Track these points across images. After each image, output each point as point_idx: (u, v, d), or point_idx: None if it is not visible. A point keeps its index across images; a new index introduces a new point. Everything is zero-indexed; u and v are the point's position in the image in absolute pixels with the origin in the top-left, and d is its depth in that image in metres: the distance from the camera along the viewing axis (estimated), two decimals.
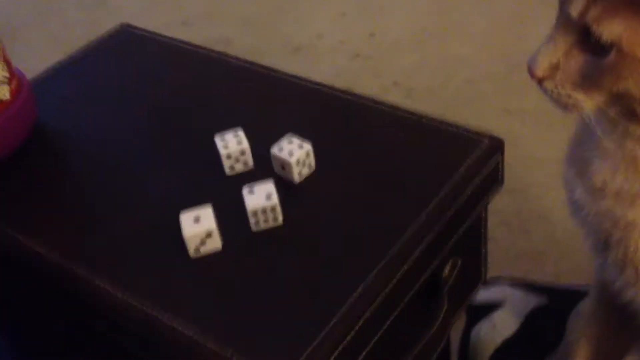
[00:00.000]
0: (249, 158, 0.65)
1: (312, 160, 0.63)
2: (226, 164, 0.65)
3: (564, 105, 0.52)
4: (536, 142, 1.64)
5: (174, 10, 2.01)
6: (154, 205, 0.63)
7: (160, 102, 0.75)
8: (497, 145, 0.64)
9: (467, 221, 0.63)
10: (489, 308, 1.01)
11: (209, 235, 0.57)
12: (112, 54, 0.83)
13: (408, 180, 0.62)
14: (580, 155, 0.58)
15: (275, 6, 2.36)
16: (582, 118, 0.56)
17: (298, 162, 0.62)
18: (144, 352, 0.56)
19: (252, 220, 0.59)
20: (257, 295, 0.54)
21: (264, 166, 0.64)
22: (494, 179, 0.65)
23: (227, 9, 2.28)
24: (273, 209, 0.58)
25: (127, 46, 0.84)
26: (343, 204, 0.61)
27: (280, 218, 0.59)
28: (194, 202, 0.60)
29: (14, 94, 0.68)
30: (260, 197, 0.59)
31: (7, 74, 0.67)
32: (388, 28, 2.18)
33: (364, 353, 0.54)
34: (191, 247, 0.57)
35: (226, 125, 0.67)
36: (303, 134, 0.64)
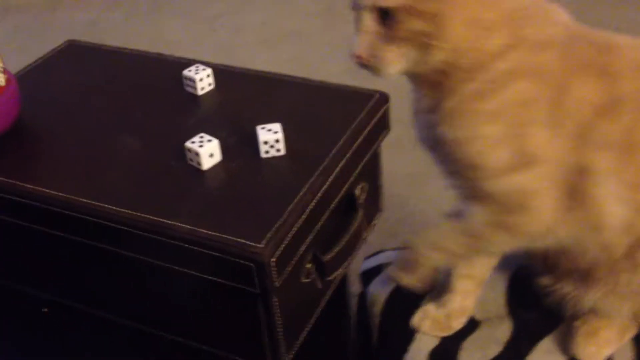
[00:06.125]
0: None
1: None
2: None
3: (379, 67, 0.71)
4: (394, 162, 1.91)
5: None
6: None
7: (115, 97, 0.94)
8: (384, 98, 0.88)
9: (368, 154, 0.86)
10: (379, 269, 1.22)
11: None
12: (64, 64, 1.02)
13: (325, 125, 0.84)
14: (415, 107, 0.79)
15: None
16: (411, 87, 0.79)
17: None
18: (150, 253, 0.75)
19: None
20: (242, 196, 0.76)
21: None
22: (384, 123, 0.89)
23: None
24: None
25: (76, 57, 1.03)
26: (289, 145, 0.81)
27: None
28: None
29: (8, 82, 0.84)
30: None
31: (2, 65, 0.84)
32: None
33: (311, 235, 0.75)
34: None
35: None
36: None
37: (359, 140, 0.83)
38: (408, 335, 1.08)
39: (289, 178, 0.77)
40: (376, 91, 0.88)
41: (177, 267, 0.73)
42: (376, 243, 1.13)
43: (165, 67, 0.98)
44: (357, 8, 0.71)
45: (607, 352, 0.91)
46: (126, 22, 2.63)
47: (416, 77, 0.75)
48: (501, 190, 0.75)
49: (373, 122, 0.85)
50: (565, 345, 0.95)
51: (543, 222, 0.76)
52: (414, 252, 0.87)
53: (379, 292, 1.21)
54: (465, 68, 0.72)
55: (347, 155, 0.81)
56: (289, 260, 0.71)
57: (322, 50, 2.41)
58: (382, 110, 0.87)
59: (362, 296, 1.24)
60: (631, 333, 0.92)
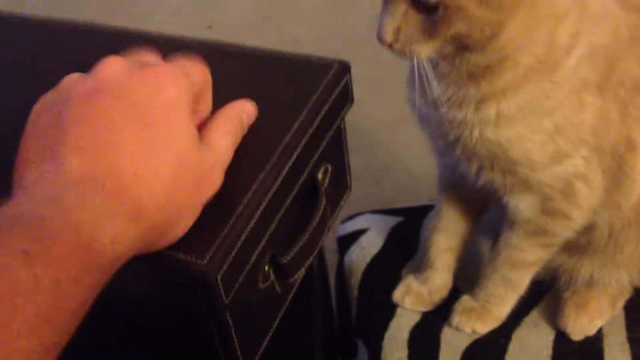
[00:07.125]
0: None
1: None
2: None
3: (409, 57, 0.68)
4: (375, 106, 1.82)
5: None
6: None
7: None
8: (345, 68, 0.78)
9: (330, 132, 0.77)
10: (356, 235, 1.15)
11: None
12: None
13: (276, 104, 0.74)
14: (419, 79, 0.72)
15: (112, 3, 2.42)
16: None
17: None
18: None
19: None
20: None
21: None
22: (346, 96, 0.79)
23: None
24: None
25: None
26: None
27: None
28: None
29: None
30: None
31: None
32: (226, 18, 2.29)
33: (265, 238, 0.66)
34: None
35: None
36: None
37: (318, 120, 0.73)
38: (388, 311, 1.02)
39: (236, 173, 0.67)
40: (335, 60, 0.78)
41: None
42: (359, 192, 1.05)
43: (104, 42, 0.87)
44: None
45: (600, 323, 0.89)
46: None
47: (445, 63, 0.69)
48: (553, 178, 0.73)
49: (333, 97, 0.75)
50: (553, 317, 0.93)
51: (596, 198, 0.76)
52: (481, 303, 0.88)
53: (357, 261, 1.15)
54: (529, 65, 0.67)
55: (305, 139, 0.71)
56: (239, 273, 0.63)
57: None
58: (342, 82, 0.77)
59: (340, 266, 1.18)
60: (622, 302, 0.90)
